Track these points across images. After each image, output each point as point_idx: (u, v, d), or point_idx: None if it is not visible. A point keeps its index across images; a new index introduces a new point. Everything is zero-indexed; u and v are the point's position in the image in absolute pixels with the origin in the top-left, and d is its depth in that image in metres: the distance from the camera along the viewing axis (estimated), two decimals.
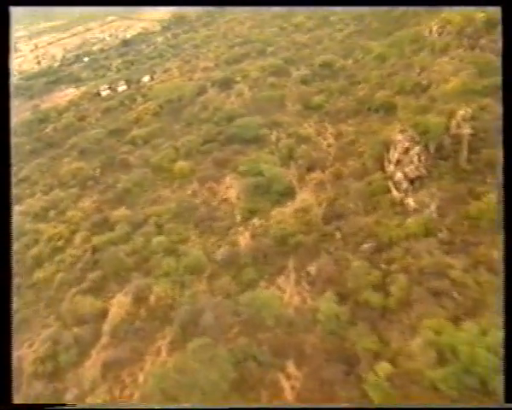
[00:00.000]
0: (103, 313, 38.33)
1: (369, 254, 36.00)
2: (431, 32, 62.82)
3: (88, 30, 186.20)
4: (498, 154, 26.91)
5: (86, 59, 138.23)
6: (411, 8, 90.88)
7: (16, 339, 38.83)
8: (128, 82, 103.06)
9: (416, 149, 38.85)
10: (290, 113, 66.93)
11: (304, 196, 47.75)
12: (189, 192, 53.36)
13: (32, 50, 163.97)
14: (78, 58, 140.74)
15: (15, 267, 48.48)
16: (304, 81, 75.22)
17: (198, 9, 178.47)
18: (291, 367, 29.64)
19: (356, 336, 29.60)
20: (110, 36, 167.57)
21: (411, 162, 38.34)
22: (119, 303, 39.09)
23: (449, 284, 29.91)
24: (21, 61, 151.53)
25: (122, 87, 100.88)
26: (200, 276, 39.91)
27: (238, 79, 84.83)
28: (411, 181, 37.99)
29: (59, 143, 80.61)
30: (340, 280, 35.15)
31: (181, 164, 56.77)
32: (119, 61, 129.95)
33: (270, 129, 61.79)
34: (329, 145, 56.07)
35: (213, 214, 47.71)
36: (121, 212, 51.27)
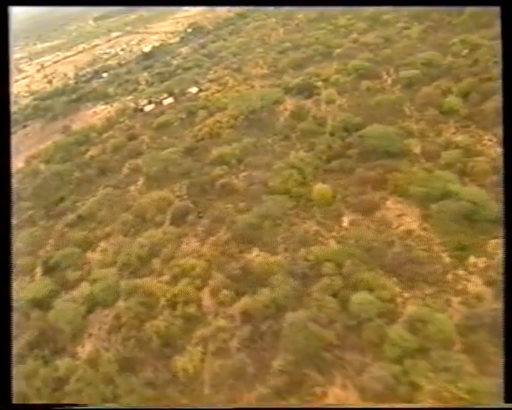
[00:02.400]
0: None
1: None
2: None
3: (95, 46, 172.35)
4: None
5: (105, 74, 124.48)
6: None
7: None
8: (172, 94, 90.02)
9: None
10: (417, 119, 55.18)
11: None
12: (346, 225, 40.54)
13: (38, 70, 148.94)
14: (96, 74, 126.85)
15: (127, 349, 34.61)
16: (410, 83, 63.83)
17: (213, 20, 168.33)
18: None
19: None
20: (123, 50, 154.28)
21: None
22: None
23: None
24: (29, 82, 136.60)
25: (168, 100, 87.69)
26: (450, 351, 27.07)
27: (318, 84, 73.04)
28: None
29: (114, 167, 66.59)
30: None
31: (321, 187, 43.81)
32: (145, 74, 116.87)
33: (408, 139, 49.93)
34: None
35: (407, 255, 34.89)
36: (264, 258, 37.84)
